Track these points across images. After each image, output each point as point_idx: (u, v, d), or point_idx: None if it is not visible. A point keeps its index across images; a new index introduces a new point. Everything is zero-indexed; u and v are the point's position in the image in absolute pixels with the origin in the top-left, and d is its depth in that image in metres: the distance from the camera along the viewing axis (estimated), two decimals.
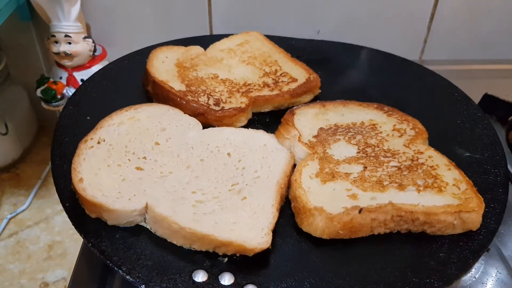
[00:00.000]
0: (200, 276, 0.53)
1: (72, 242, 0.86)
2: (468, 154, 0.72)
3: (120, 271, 0.53)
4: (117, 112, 0.71)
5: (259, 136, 0.72)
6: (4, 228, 0.89)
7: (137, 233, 0.58)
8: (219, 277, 0.54)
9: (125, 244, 0.56)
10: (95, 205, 0.57)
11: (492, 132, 0.76)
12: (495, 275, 0.66)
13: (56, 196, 0.92)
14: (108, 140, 0.66)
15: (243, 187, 0.62)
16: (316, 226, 0.58)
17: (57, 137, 0.70)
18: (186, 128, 0.71)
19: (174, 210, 0.57)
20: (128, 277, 0.53)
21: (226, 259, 0.56)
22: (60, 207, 0.90)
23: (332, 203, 0.59)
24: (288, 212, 0.62)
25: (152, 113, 0.72)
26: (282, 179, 0.64)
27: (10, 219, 0.91)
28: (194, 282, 0.53)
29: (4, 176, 1.00)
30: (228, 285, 0.53)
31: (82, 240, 0.68)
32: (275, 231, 0.58)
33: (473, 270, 0.66)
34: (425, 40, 1.11)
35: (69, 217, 0.60)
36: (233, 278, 0.54)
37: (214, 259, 0.56)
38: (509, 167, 0.70)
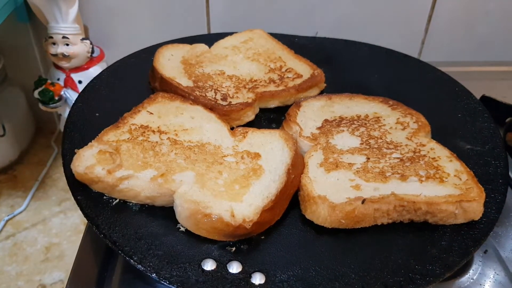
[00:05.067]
0: (209, 265, 0.55)
1: (70, 244, 0.83)
2: (469, 147, 0.74)
3: (131, 260, 0.55)
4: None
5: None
6: (1, 230, 0.87)
7: (148, 225, 0.60)
8: (228, 265, 0.55)
9: (136, 234, 0.58)
10: None
11: (492, 125, 0.78)
12: (493, 277, 0.66)
13: (54, 197, 0.96)
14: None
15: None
16: (319, 214, 0.59)
17: (67, 132, 0.72)
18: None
19: None
20: (139, 266, 0.54)
21: (234, 249, 0.57)
22: (58, 208, 0.92)
23: (336, 193, 0.61)
24: (293, 203, 0.64)
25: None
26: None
27: (7, 221, 0.89)
28: (203, 270, 0.54)
29: (1, 177, 0.97)
30: (236, 273, 0.54)
31: (79, 242, 0.70)
32: (281, 222, 0.60)
33: (470, 271, 0.66)
34: (422, 41, 1.12)
35: (81, 209, 0.61)
36: (241, 266, 0.55)
37: (222, 248, 0.57)
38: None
